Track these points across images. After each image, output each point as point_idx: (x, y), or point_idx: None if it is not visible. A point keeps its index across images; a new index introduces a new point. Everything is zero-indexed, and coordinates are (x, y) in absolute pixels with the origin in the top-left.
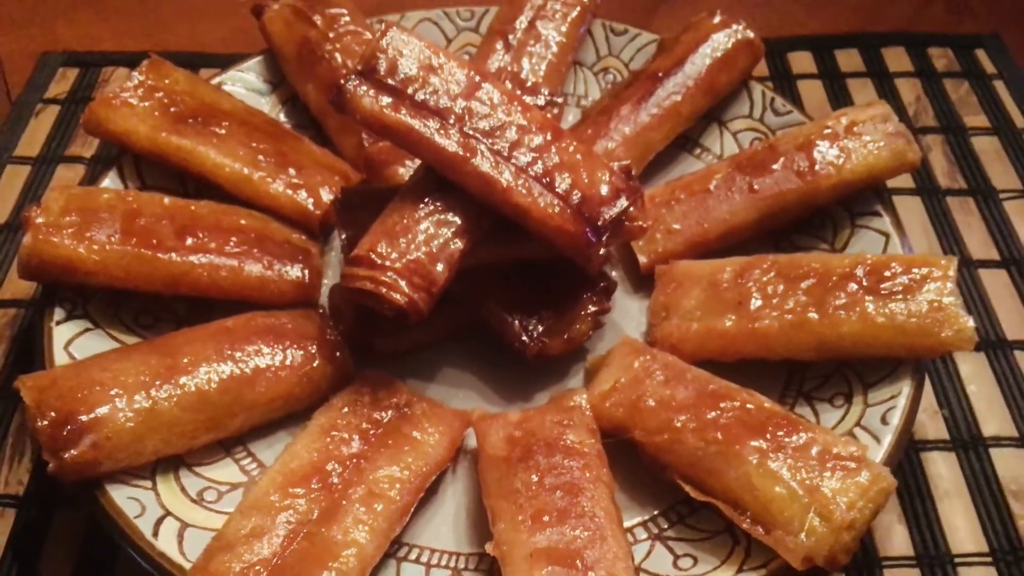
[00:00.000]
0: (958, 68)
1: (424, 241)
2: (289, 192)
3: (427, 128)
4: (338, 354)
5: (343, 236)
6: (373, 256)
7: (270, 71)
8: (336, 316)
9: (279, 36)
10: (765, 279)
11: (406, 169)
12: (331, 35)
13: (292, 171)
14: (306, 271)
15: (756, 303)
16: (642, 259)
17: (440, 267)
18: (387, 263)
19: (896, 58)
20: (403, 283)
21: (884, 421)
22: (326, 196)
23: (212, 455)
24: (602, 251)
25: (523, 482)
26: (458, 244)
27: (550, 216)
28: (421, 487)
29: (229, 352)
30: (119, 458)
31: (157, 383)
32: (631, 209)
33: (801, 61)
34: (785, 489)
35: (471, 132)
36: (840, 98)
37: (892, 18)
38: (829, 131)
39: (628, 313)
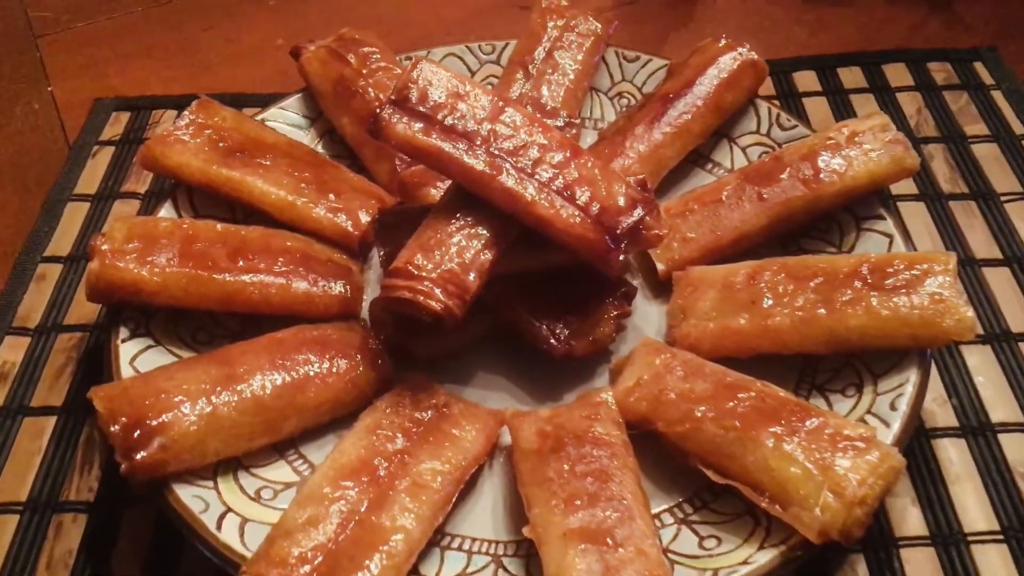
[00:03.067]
0: (957, 81)
1: (457, 253)
2: (330, 216)
3: (456, 150)
4: (379, 361)
5: (382, 253)
6: (411, 268)
7: (308, 107)
8: (376, 326)
9: (316, 75)
10: (776, 280)
11: (437, 190)
12: (364, 72)
13: (332, 197)
14: (348, 287)
15: (768, 302)
16: (660, 266)
17: (472, 276)
18: (423, 274)
19: (897, 73)
20: (439, 291)
21: (892, 407)
22: (364, 218)
23: (267, 458)
24: (621, 257)
25: (555, 471)
26: (488, 255)
27: (572, 226)
28: (461, 479)
29: (281, 361)
30: (184, 459)
31: (217, 390)
32: (647, 219)
33: (805, 80)
34: (800, 469)
35: (496, 152)
36: (844, 113)
37: (891, 36)
38: (832, 141)
39: (648, 317)
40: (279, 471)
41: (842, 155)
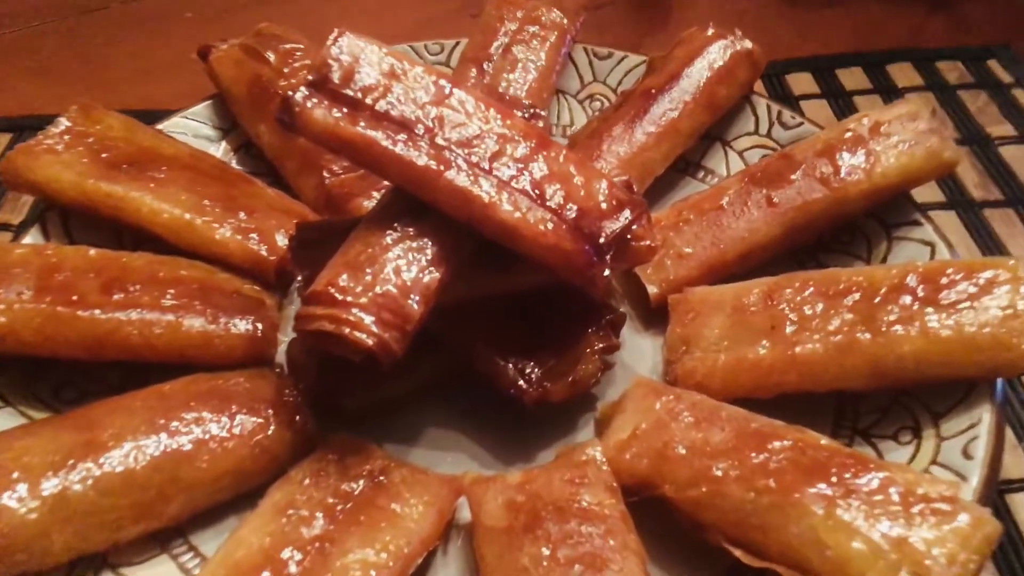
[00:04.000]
0: (971, 79)
1: (394, 271)
2: (239, 237)
3: (392, 141)
4: (298, 418)
5: (300, 277)
6: (333, 291)
7: (220, 116)
8: (296, 373)
9: (228, 77)
10: (800, 298)
11: (372, 201)
12: (285, 71)
13: (243, 216)
14: (259, 324)
15: (792, 327)
16: (652, 289)
17: (414, 301)
18: (350, 298)
19: (903, 73)
20: (370, 320)
21: (967, 455)
22: (282, 242)
23: (143, 551)
24: (606, 272)
25: (532, 557)
26: (434, 274)
27: (543, 234)
28: (404, 572)
29: (163, 422)
30: (19, 560)
31: (70, 463)
32: (635, 226)
33: (801, 82)
34: (864, 544)
35: (444, 143)
36: (848, 116)
37: (891, 36)
38: (851, 134)
39: (640, 352)
40: (160, 569)
41: (867, 149)
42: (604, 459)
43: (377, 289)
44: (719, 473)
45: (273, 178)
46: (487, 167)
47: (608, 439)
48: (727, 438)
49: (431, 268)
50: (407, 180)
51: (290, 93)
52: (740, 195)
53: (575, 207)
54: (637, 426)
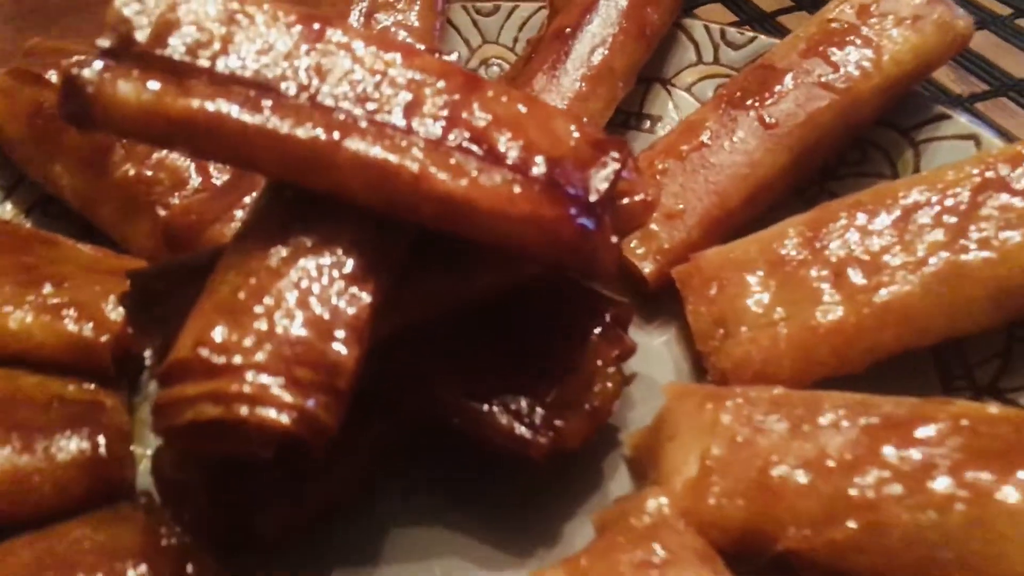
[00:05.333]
0: None
1: (298, 305)
2: (46, 319)
3: (252, 109)
4: (189, 569)
5: (148, 347)
6: (207, 353)
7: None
8: (173, 499)
9: (1, 115)
10: (857, 230)
11: (237, 223)
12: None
13: (48, 288)
14: (98, 439)
15: (863, 269)
16: (646, 267)
17: (340, 342)
18: (238, 359)
19: None
20: (278, 385)
21: None
22: (115, 311)
23: None
24: (614, 239)
25: None
26: (361, 296)
27: (508, 200)
28: None
29: None
30: None
31: None
32: (624, 174)
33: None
34: None
35: (331, 102)
36: None
37: None
38: (839, 24)
39: (650, 354)
40: None
41: (863, 37)
42: (677, 514)
43: (278, 336)
44: (869, 494)
45: (83, 229)
46: (403, 124)
47: (669, 482)
48: (852, 439)
49: (354, 288)
50: (288, 164)
51: (74, 71)
52: (723, 125)
53: (543, 159)
54: (705, 453)
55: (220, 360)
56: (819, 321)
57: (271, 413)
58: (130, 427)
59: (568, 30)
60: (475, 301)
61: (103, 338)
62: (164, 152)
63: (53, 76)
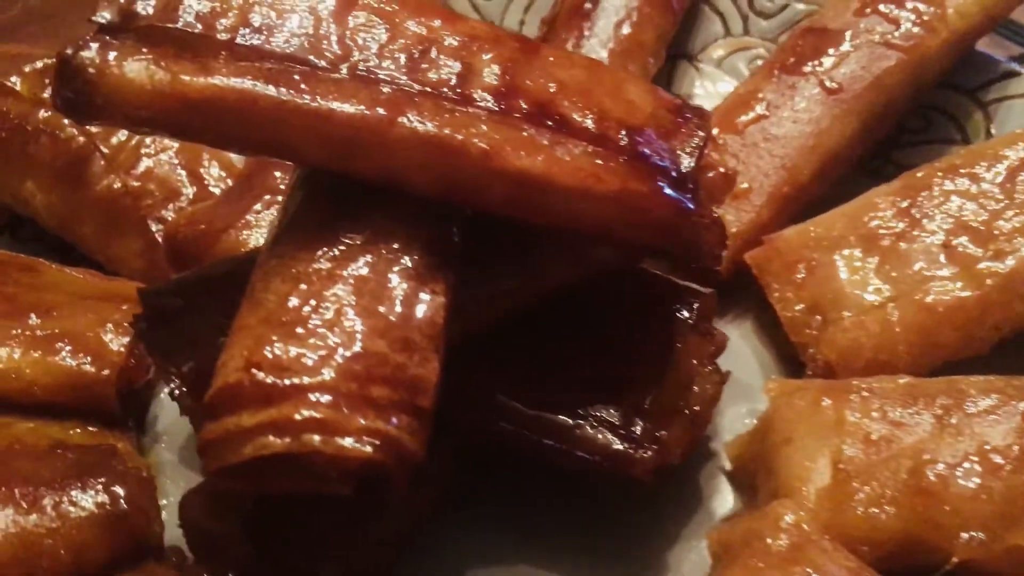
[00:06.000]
0: None
1: (363, 311)
2: (35, 355)
3: (287, 85)
4: None
5: (174, 375)
6: (264, 376)
7: None
8: (208, 553)
9: None
10: (959, 194)
11: (254, 231)
12: (45, 95)
13: (34, 319)
14: (117, 489)
15: (978, 238)
16: None
17: (419, 351)
18: (302, 379)
19: None
20: (352, 408)
21: None
22: (114, 341)
23: None
24: (715, 215)
25: None
26: (435, 297)
27: (593, 175)
28: None
29: None
30: None
31: None
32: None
33: None
34: None
35: (373, 73)
36: None
37: None
38: None
39: (727, 352)
40: None
41: None
42: (820, 531)
43: (345, 349)
44: None
45: (62, 254)
46: (462, 95)
47: (797, 493)
48: (1016, 427)
49: (423, 289)
50: (332, 147)
51: (69, 51)
52: (780, 93)
53: (625, 129)
54: (837, 455)
55: (280, 382)
56: (936, 298)
57: (349, 441)
58: (150, 472)
59: (588, 5)
60: (545, 298)
61: (104, 372)
62: (151, 160)
63: (17, 83)
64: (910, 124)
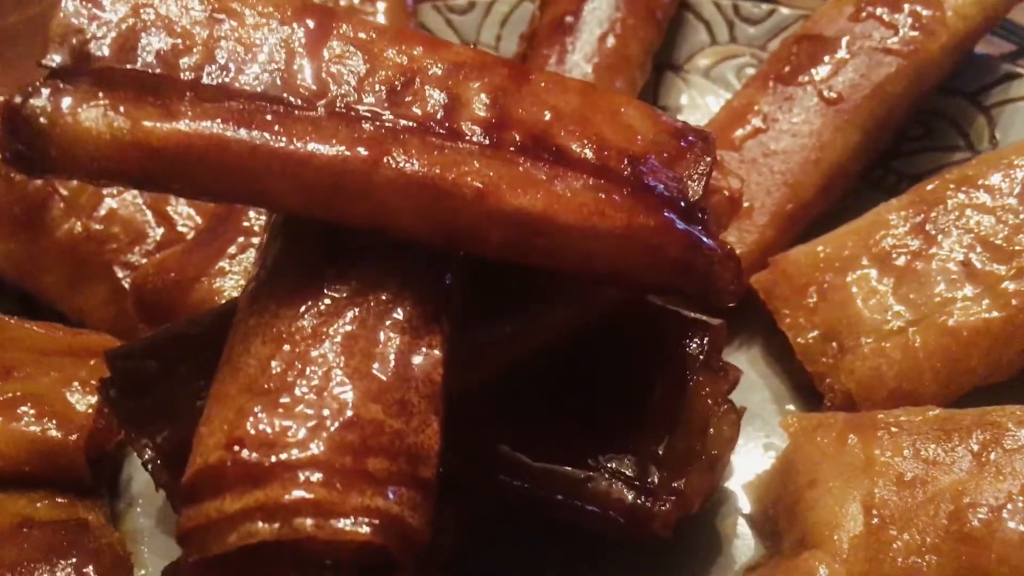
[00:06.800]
0: None
1: (354, 372)
2: None
3: (261, 127)
4: None
5: (148, 446)
6: (247, 454)
7: None
8: None
9: None
10: (975, 207)
11: (229, 278)
12: None
13: None
14: (88, 570)
15: (991, 257)
16: None
17: (417, 415)
18: (289, 454)
19: None
20: (346, 486)
21: None
22: (81, 400)
23: None
24: (728, 249)
25: None
26: (431, 352)
27: (596, 211)
28: None
29: None
30: None
31: None
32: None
33: None
34: None
35: (355, 111)
36: None
37: None
38: None
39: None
40: None
41: None
42: None
43: (336, 417)
44: None
45: (23, 306)
46: (449, 128)
47: (827, 542)
48: None
49: (418, 344)
50: (312, 193)
51: (18, 99)
52: (777, 105)
53: (627, 158)
54: (869, 499)
55: (265, 460)
56: (960, 321)
57: (345, 523)
58: (125, 549)
59: (569, 19)
60: (545, 345)
61: (72, 437)
62: (115, 200)
63: None
64: (910, 132)
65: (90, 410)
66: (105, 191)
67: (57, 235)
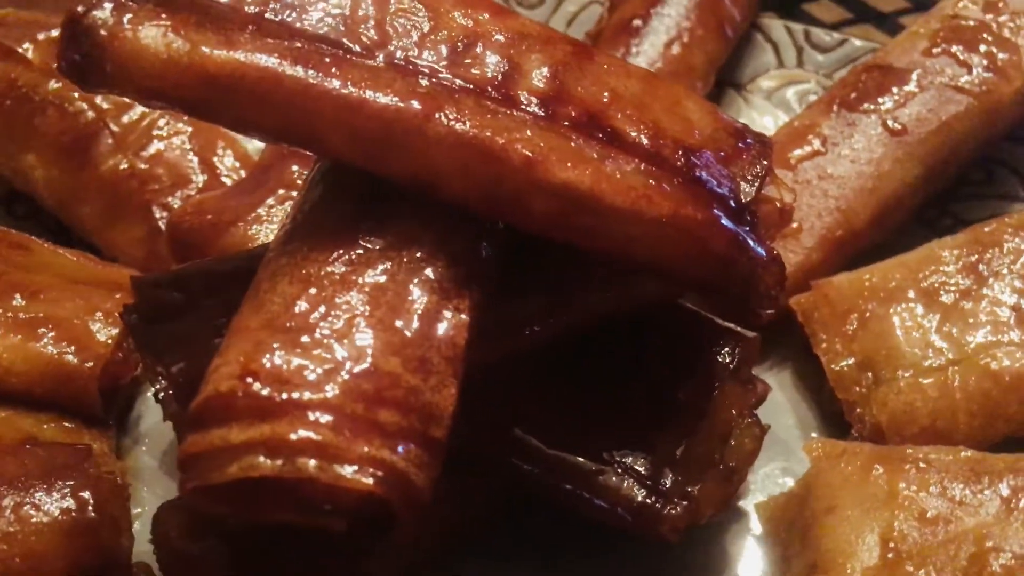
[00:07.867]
0: None
1: (378, 323)
2: (16, 339)
3: (316, 65)
4: None
5: (161, 375)
6: (260, 388)
7: None
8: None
9: None
10: None
11: (264, 226)
12: (56, 65)
13: (19, 299)
14: (85, 495)
15: None
16: None
17: (436, 374)
18: (302, 394)
19: None
20: (355, 432)
21: None
22: (102, 332)
23: None
24: (775, 254)
25: None
26: (458, 316)
27: (644, 196)
28: None
29: None
30: None
31: None
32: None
33: (824, 10)
34: None
35: (410, 64)
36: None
37: None
38: (964, 21)
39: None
40: None
41: (996, 35)
42: None
43: (354, 364)
44: None
45: (59, 235)
46: (505, 94)
47: (838, 570)
48: None
49: (447, 305)
50: (362, 140)
51: (80, 9)
52: (839, 130)
53: (681, 149)
54: (888, 532)
55: (277, 395)
56: (1004, 366)
57: (349, 470)
58: (124, 479)
59: (636, 22)
60: (573, 329)
61: (88, 364)
62: (163, 143)
63: (29, 50)
64: (971, 176)
65: (109, 341)
66: (154, 132)
67: (102, 169)
